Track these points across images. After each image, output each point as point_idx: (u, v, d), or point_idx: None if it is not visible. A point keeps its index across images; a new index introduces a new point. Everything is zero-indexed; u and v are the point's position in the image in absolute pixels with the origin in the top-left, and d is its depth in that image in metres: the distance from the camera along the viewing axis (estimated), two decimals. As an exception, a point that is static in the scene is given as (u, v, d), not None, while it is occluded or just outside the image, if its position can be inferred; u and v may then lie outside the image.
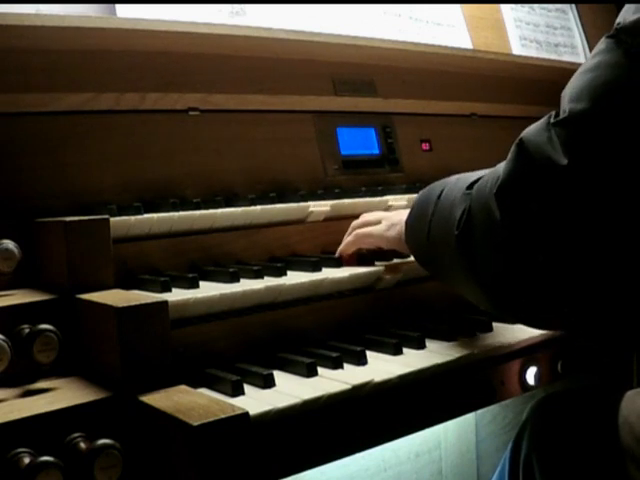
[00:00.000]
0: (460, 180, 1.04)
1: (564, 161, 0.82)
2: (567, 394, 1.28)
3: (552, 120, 0.85)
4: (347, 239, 1.33)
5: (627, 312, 0.91)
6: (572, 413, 1.21)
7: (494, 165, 0.96)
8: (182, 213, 1.23)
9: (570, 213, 0.83)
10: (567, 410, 1.23)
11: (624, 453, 1.08)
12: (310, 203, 1.39)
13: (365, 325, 1.21)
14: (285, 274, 1.19)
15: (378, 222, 1.30)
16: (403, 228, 1.19)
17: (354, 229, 1.34)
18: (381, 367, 1.04)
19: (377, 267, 1.27)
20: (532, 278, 0.89)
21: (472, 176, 1.01)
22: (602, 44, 0.85)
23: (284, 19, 1.61)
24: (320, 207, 1.40)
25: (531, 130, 0.89)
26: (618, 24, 0.84)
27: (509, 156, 0.89)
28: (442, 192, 1.06)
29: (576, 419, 1.20)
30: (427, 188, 1.15)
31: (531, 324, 1.03)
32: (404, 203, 1.47)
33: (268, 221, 1.34)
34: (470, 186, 0.98)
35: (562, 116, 0.84)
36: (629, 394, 1.13)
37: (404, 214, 1.21)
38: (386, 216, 1.31)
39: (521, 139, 0.89)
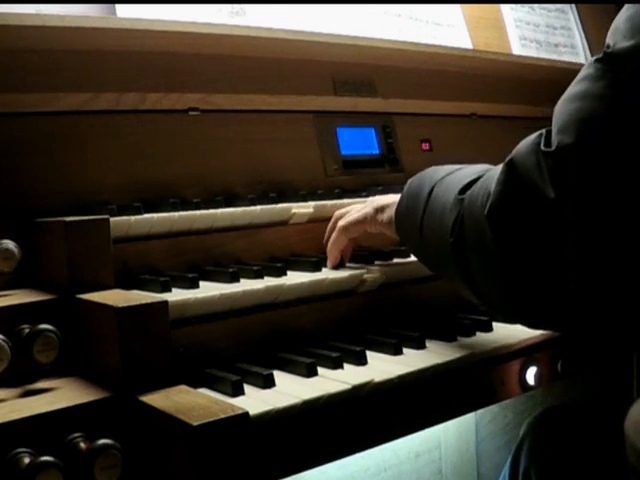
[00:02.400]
0: (451, 180, 1.03)
1: (551, 193, 0.81)
2: (564, 409, 1.29)
3: (542, 147, 0.84)
4: (333, 235, 1.28)
5: (611, 328, 0.91)
6: (569, 427, 1.22)
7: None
8: (182, 213, 1.23)
9: (557, 243, 0.83)
10: (564, 424, 1.24)
11: (627, 465, 1.08)
12: (310, 203, 1.39)
13: (365, 325, 1.21)
14: (285, 274, 1.19)
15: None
16: (394, 214, 1.18)
17: (337, 219, 1.32)
18: (381, 367, 1.04)
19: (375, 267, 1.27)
20: (522, 294, 0.89)
21: (463, 177, 1.00)
22: (590, 68, 0.83)
23: (284, 19, 1.60)
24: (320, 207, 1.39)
25: (521, 151, 0.87)
26: (608, 47, 0.82)
27: (500, 176, 0.88)
28: (433, 189, 1.05)
29: (573, 433, 1.21)
30: (417, 178, 1.14)
31: (523, 324, 1.04)
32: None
33: (268, 221, 1.34)
34: (462, 190, 0.97)
35: (552, 148, 0.83)
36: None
37: (392, 198, 1.20)
38: (370, 200, 1.29)
39: (511, 159, 0.87)
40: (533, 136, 0.87)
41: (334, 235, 1.28)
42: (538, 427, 1.27)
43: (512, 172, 0.86)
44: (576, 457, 1.17)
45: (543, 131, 0.86)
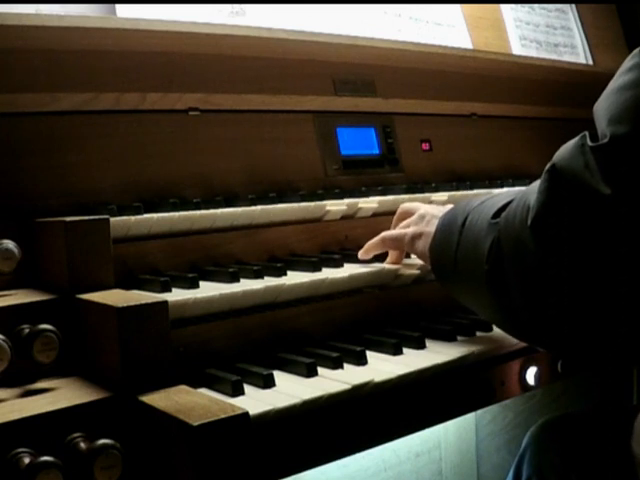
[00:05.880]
0: (484, 207, 0.99)
1: (607, 190, 0.77)
2: (566, 419, 1.28)
3: (590, 144, 0.80)
4: (373, 240, 1.27)
5: None
6: (571, 438, 1.22)
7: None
8: (182, 213, 1.23)
9: (615, 246, 0.78)
10: (566, 435, 1.24)
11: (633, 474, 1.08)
12: (311, 204, 1.39)
13: (365, 325, 1.21)
14: (285, 274, 1.19)
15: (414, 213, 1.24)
16: (427, 249, 1.13)
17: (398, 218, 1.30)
18: (381, 367, 1.04)
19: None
20: (571, 313, 0.85)
21: (496, 202, 0.97)
22: (636, 57, 0.81)
23: (284, 19, 1.61)
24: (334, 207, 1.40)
25: (563, 155, 0.83)
26: None
27: (541, 185, 0.84)
28: (466, 220, 1.02)
29: (576, 444, 1.20)
30: (449, 212, 1.11)
31: (558, 352, 1.01)
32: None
33: (268, 221, 1.34)
34: (496, 214, 0.94)
35: (602, 140, 0.79)
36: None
37: (433, 224, 1.14)
38: (423, 214, 1.22)
39: (553, 165, 0.83)
40: (574, 140, 0.83)
41: (376, 239, 1.27)
42: (540, 437, 1.27)
43: (556, 178, 0.82)
44: (578, 467, 1.17)
45: (585, 133, 0.82)
